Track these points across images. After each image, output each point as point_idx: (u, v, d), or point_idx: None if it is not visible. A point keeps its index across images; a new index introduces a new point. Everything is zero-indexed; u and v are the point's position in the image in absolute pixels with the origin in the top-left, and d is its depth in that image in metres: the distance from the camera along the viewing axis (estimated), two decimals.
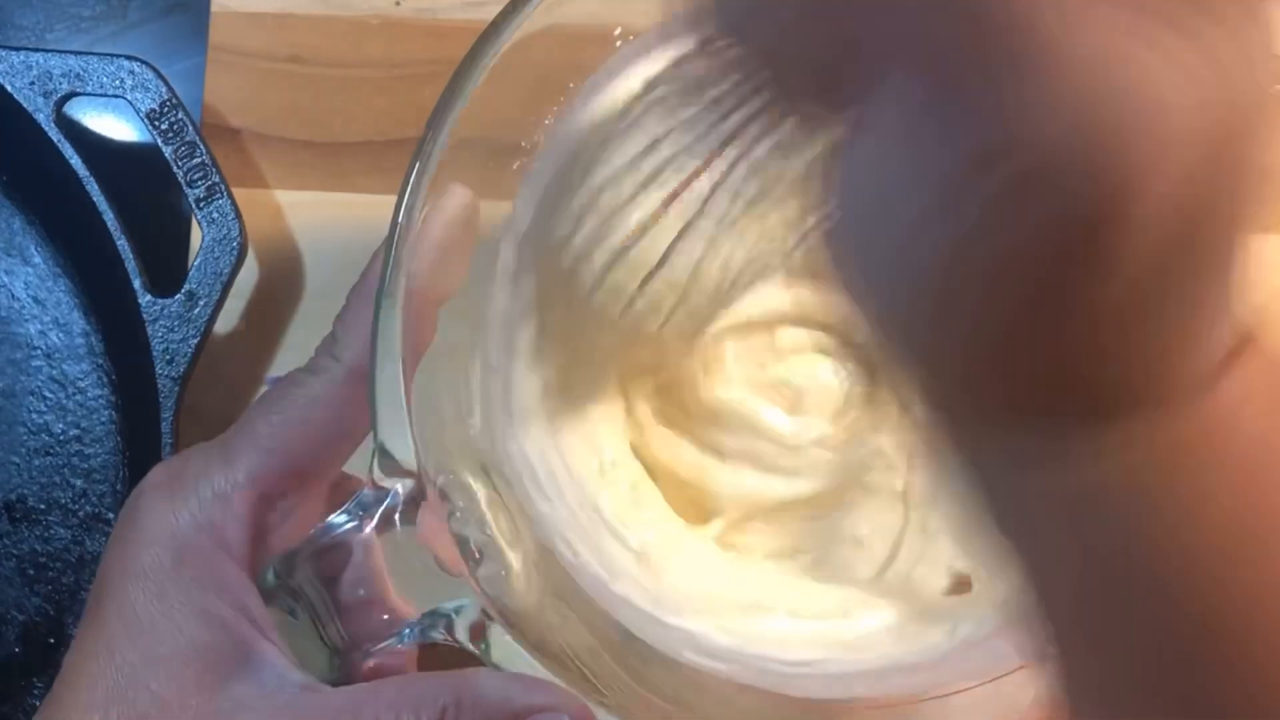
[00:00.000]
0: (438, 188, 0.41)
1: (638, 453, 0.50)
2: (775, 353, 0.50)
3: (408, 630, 0.40)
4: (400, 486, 0.39)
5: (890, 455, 0.49)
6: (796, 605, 0.48)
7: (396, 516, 0.39)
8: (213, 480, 0.41)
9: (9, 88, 0.53)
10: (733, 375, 0.50)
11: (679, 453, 0.50)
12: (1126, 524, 0.28)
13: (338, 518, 0.40)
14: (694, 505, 0.50)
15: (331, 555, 0.40)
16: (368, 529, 0.39)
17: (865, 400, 0.50)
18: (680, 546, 0.49)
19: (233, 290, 0.54)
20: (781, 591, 0.48)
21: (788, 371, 0.50)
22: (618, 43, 0.46)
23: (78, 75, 0.54)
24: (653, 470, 0.50)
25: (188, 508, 0.40)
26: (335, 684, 0.40)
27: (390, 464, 0.39)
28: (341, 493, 0.42)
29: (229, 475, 0.41)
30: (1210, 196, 0.25)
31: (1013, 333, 0.26)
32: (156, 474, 0.42)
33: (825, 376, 0.50)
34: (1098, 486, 0.28)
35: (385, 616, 0.40)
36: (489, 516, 0.42)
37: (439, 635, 0.39)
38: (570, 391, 0.48)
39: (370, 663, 0.41)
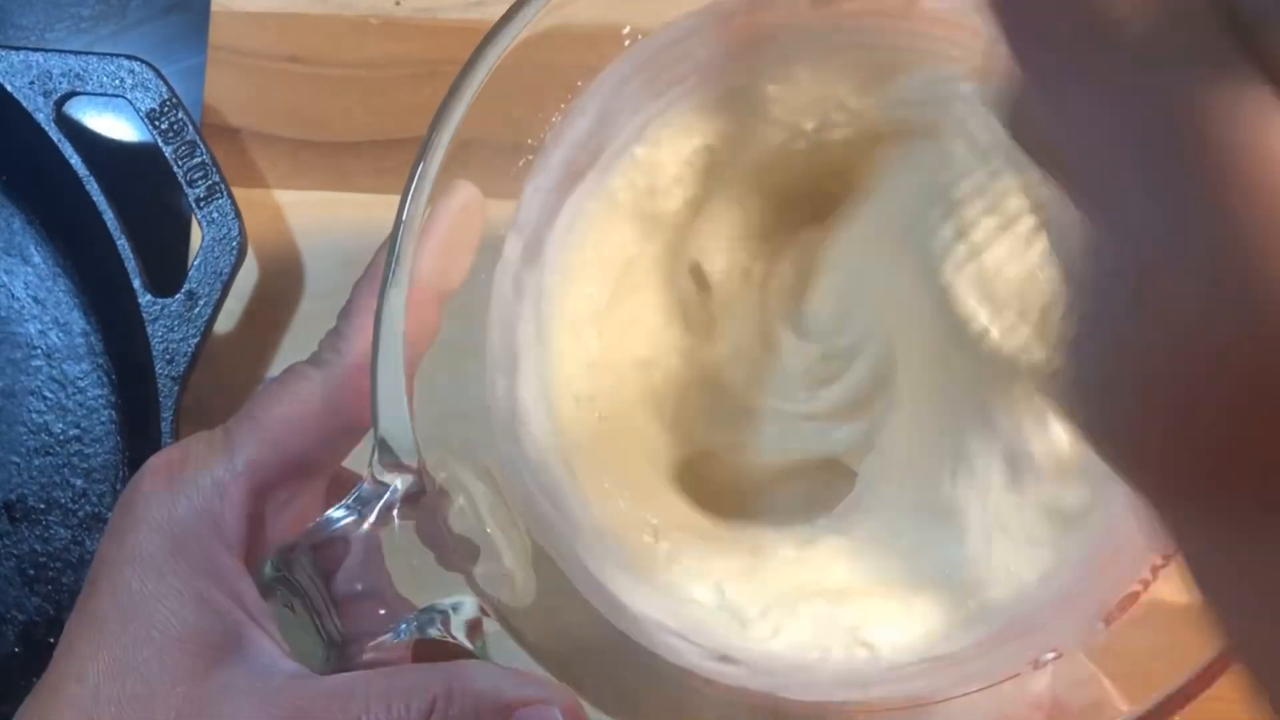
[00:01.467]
0: (443, 183, 0.41)
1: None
2: None
3: (404, 625, 0.40)
4: (400, 482, 0.39)
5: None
6: (796, 609, 0.48)
7: (395, 512, 0.39)
8: (211, 469, 0.41)
9: (9, 87, 0.53)
10: None
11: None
12: None
13: (336, 512, 0.40)
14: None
15: (329, 549, 0.40)
16: (366, 524, 0.39)
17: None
18: (679, 550, 0.49)
19: (233, 290, 0.54)
20: (780, 596, 0.48)
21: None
22: (626, 41, 0.46)
23: (78, 75, 0.54)
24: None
25: (185, 495, 0.40)
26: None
27: (390, 459, 0.39)
28: (341, 487, 0.42)
29: (228, 464, 0.41)
30: None
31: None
32: (156, 461, 0.42)
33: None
34: None
35: (382, 611, 0.40)
36: (488, 514, 0.42)
37: (435, 631, 0.39)
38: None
39: (366, 657, 0.41)
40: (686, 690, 0.45)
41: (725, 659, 0.45)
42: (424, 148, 0.41)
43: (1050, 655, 0.43)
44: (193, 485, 0.40)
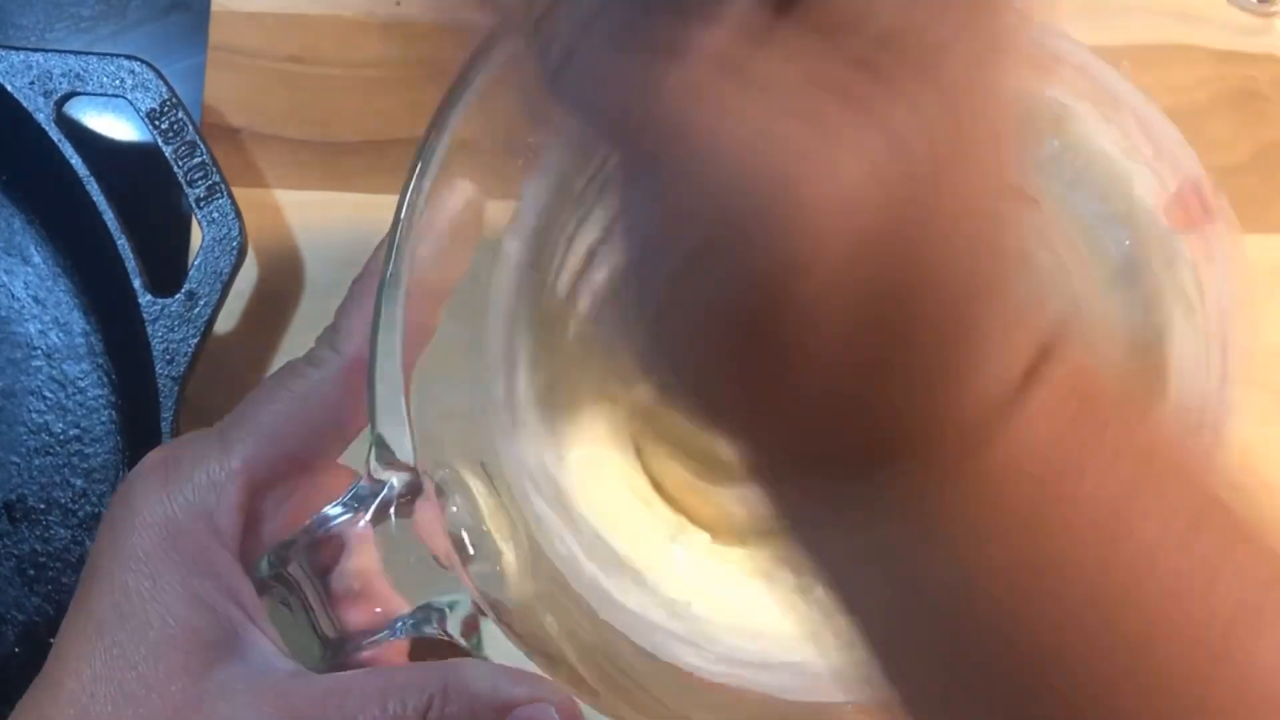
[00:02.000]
0: (443, 181, 0.41)
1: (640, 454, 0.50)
2: None
3: (400, 623, 0.40)
4: (397, 480, 0.39)
5: None
6: (793, 609, 0.48)
7: (392, 510, 0.39)
8: (207, 466, 0.41)
9: (9, 88, 0.53)
10: None
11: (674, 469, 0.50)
12: (924, 570, 0.29)
13: (333, 509, 0.40)
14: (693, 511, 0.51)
15: (326, 546, 0.40)
16: (363, 521, 0.39)
17: None
18: (676, 550, 0.49)
19: (233, 290, 0.54)
20: (778, 595, 0.48)
21: None
22: None
23: (78, 75, 0.54)
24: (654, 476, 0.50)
25: (181, 493, 0.40)
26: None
27: (388, 457, 0.39)
28: (338, 484, 0.42)
29: (224, 462, 0.41)
30: (914, 253, 0.25)
31: (749, 395, 0.27)
32: (152, 458, 0.42)
33: None
34: (892, 534, 0.28)
35: (378, 609, 0.40)
36: (485, 513, 0.42)
37: (432, 629, 0.39)
38: (571, 392, 0.48)
39: (362, 655, 0.41)
40: (683, 690, 0.45)
41: (722, 659, 0.45)
42: (423, 146, 0.41)
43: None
44: (188, 483, 0.40)
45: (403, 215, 0.40)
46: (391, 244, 0.40)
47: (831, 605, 0.31)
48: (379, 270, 0.40)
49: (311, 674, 0.40)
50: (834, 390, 0.26)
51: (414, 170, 0.41)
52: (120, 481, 0.55)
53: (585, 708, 0.40)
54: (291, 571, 0.40)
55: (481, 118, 0.41)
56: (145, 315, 0.53)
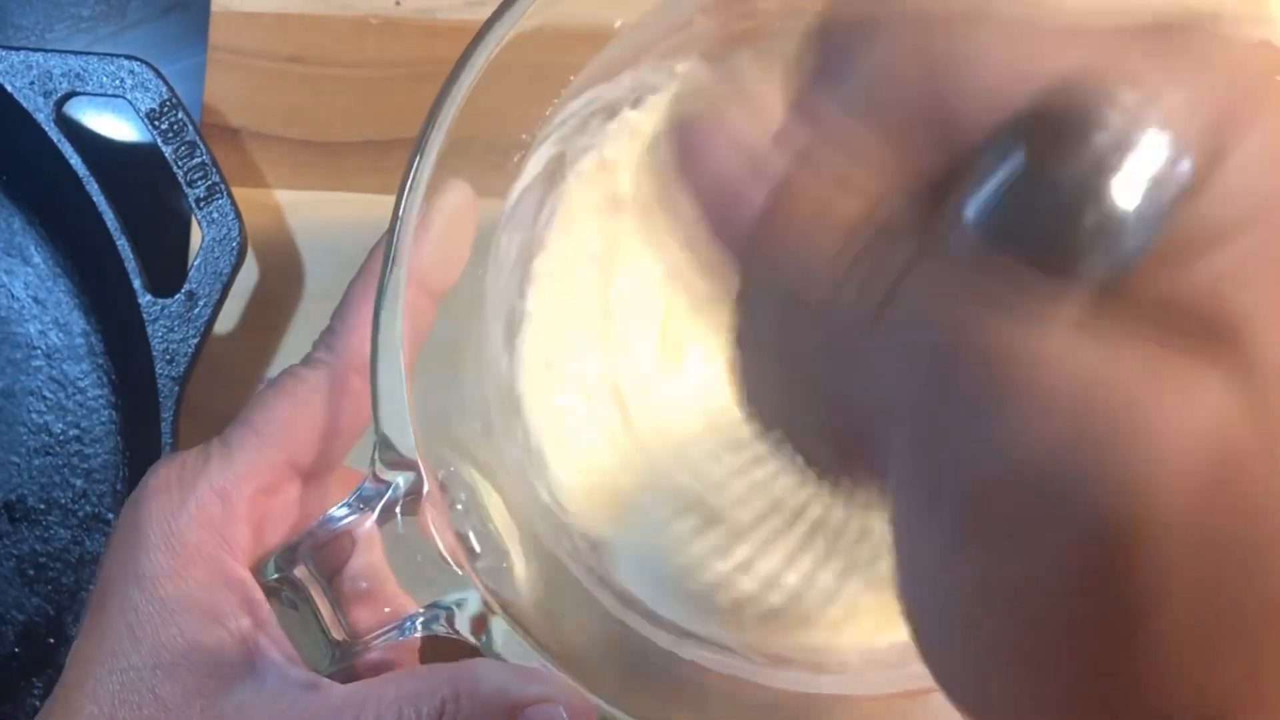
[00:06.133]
0: (437, 181, 0.41)
1: None
2: None
3: (409, 623, 0.40)
4: (401, 479, 0.39)
5: None
6: (802, 600, 0.48)
7: (398, 509, 0.39)
8: (210, 477, 0.41)
9: (9, 88, 0.53)
10: None
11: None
12: None
13: (339, 510, 0.39)
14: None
15: (333, 548, 0.40)
16: (369, 521, 0.39)
17: None
18: (679, 544, 0.49)
19: (233, 290, 0.54)
20: (786, 587, 0.48)
21: None
22: None
23: (77, 75, 0.54)
24: None
25: (185, 508, 0.40)
26: (336, 677, 0.40)
27: (392, 456, 0.39)
28: (344, 486, 0.42)
29: (227, 470, 0.41)
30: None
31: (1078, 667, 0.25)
32: (156, 474, 0.41)
33: None
34: None
35: (387, 609, 0.40)
36: (490, 510, 0.42)
37: (440, 628, 0.39)
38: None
39: (371, 655, 0.41)
40: (692, 682, 0.45)
41: (731, 650, 0.45)
42: (418, 146, 0.41)
43: None
44: (193, 496, 0.40)
45: (400, 213, 0.40)
46: (389, 242, 0.40)
47: None
48: (375, 271, 0.40)
49: (326, 685, 0.39)
50: (1181, 653, 0.24)
51: (410, 167, 0.41)
52: (120, 481, 0.55)
53: (598, 703, 0.40)
54: (298, 574, 0.40)
55: (476, 113, 0.42)
56: (145, 315, 0.53)
